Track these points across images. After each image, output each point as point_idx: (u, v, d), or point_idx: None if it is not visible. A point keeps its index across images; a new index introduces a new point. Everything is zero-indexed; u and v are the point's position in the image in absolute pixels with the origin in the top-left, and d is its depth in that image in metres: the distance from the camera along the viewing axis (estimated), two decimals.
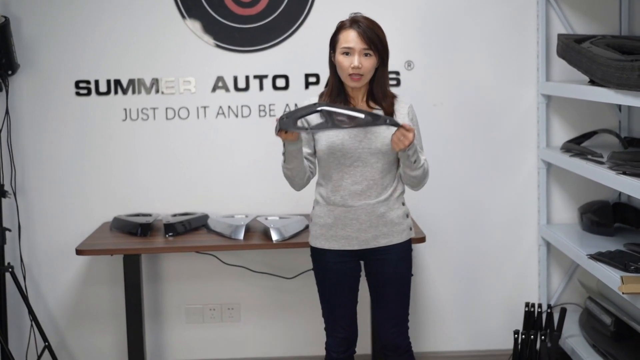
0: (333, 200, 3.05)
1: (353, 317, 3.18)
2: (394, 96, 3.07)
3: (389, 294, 3.10)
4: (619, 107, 3.98)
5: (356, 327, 3.19)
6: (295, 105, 3.95)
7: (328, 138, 3.00)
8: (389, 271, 3.08)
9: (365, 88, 3.03)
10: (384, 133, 2.98)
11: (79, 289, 4.08)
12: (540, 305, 3.88)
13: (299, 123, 2.86)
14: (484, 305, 4.15)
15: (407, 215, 3.12)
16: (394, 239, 3.06)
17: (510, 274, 4.12)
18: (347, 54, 2.94)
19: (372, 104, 3.03)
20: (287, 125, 2.81)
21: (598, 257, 3.33)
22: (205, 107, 4.00)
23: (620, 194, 3.98)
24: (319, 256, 3.12)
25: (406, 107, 3.05)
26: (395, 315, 3.12)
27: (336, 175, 3.03)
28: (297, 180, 3.06)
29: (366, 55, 2.94)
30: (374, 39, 2.93)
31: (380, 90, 3.02)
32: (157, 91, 3.98)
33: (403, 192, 3.12)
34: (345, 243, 3.06)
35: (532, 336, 3.73)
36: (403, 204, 3.11)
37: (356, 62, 2.92)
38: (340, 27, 2.99)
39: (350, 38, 2.94)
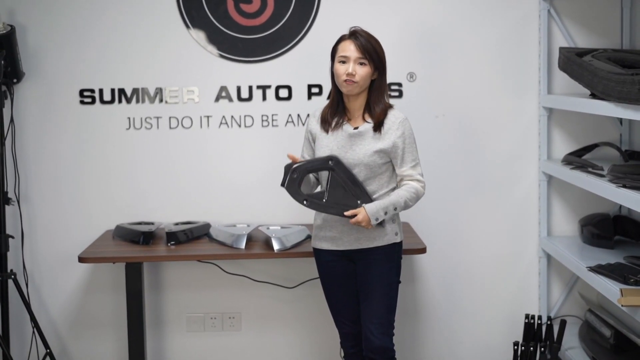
0: None
1: (356, 313, 3.29)
2: (389, 107, 3.20)
3: (373, 294, 3.21)
4: (620, 120, 3.99)
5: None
6: (298, 115, 3.99)
7: (320, 148, 3.22)
8: (373, 271, 3.20)
9: (362, 101, 3.19)
10: (368, 145, 3.13)
11: (81, 296, 4.09)
12: (540, 317, 3.89)
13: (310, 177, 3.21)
14: (484, 317, 4.15)
15: (394, 221, 3.21)
16: (375, 242, 3.19)
17: (510, 285, 4.13)
18: (343, 62, 3.13)
19: (367, 117, 3.18)
20: (291, 190, 3.12)
21: (598, 269, 3.34)
22: (208, 117, 4.02)
23: (620, 206, 3.99)
24: (316, 256, 3.34)
25: (397, 122, 3.16)
26: (379, 316, 3.21)
27: (326, 181, 3.17)
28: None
29: (361, 64, 3.11)
30: (369, 49, 3.12)
31: (375, 100, 3.18)
32: (161, 100, 4.00)
33: None
34: (333, 244, 3.24)
35: (531, 348, 3.74)
36: None
37: (350, 68, 3.10)
38: (340, 39, 3.19)
39: (347, 47, 3.13)
